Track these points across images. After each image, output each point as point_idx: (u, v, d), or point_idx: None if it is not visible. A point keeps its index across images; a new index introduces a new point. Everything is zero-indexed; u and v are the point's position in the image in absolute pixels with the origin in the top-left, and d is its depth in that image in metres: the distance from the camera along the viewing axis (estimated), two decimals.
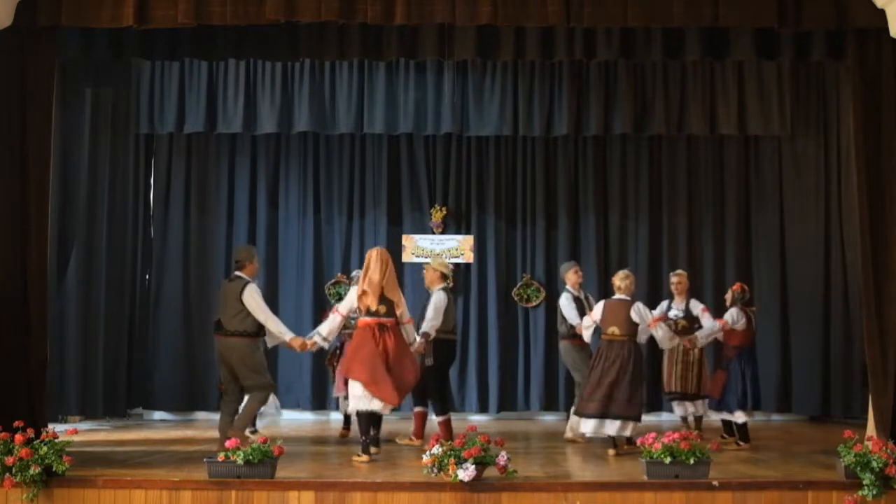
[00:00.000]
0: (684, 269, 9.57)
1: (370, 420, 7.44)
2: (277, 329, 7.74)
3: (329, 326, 7.75)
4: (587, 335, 8.28)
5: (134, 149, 10.83)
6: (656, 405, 10.50)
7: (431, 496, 6.13)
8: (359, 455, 7.29)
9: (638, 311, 7.85)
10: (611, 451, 7.67)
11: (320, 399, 10.84)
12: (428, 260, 10.10)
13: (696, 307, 8.98)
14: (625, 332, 7.80)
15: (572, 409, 8.43)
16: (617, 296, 7.96)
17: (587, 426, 7.81)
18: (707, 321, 8.71)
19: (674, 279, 9.24)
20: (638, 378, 7.80)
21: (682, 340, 8.48)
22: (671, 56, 8.20)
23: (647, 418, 9.48)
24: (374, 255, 7.54)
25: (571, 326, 8.70)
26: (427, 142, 11.16)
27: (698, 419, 9.15)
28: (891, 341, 7.18)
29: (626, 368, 7.72)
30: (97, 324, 10.23)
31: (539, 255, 11.11)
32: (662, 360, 9.24)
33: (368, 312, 7.39)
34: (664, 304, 9.24)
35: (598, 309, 8.02)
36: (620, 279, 7.98)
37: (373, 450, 7.44)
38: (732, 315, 8.31)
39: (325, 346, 8.02)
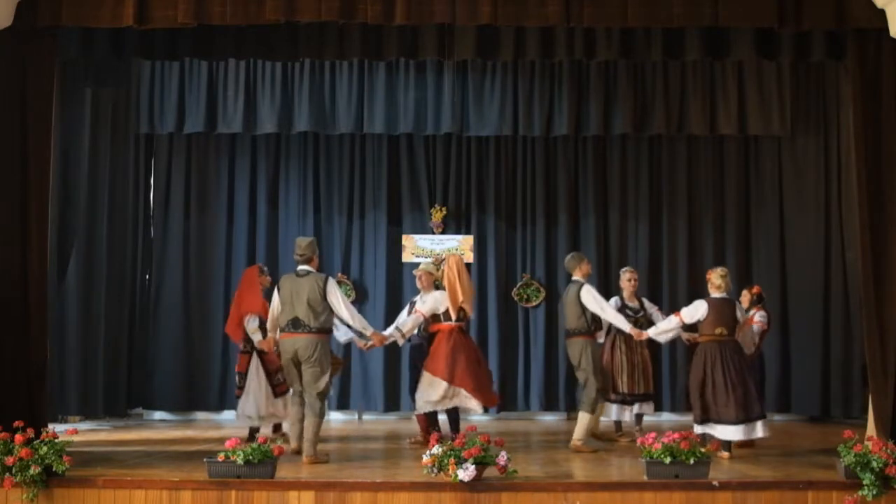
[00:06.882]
0: (684, 268, 9.50)
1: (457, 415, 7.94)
2: (363, 324, 7.43)
3: (411, 324, 8.02)
4: (665, 338, 7.93)
5: (134, 149, 10.85)
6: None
7: (431, 496, 6.13)
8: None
9: (741, 309, 7.79)
10: (725, 454, 7.38)
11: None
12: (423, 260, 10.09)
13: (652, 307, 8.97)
14: (732, 332, 7.62)
15: (587, 415, 7.84)
16: (718, 294, 7.65)
17: (728, 432, 7.42)
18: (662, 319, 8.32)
19: (631, 276, 8.94)
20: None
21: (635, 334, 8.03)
22: (671, 56, 8.20)
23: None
24: (459, 262, 8.00)
25: (594, 321, 7.94)
26: (427, 142, 11.16)
27: (639, 417, 8.86)
28: (891, 341, 7.17)
29: (748, 367, 7.60)
30: (97, 324, 10.22)
31: (539, 255, 11.11)
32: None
33: (452, 318, 7.86)
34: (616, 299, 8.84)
35: (700, 309, 7.58)
36: (721, 277, 7.61)
37: None
38: (764, 317, 8.18)
39: (401, 342, 8.28)
